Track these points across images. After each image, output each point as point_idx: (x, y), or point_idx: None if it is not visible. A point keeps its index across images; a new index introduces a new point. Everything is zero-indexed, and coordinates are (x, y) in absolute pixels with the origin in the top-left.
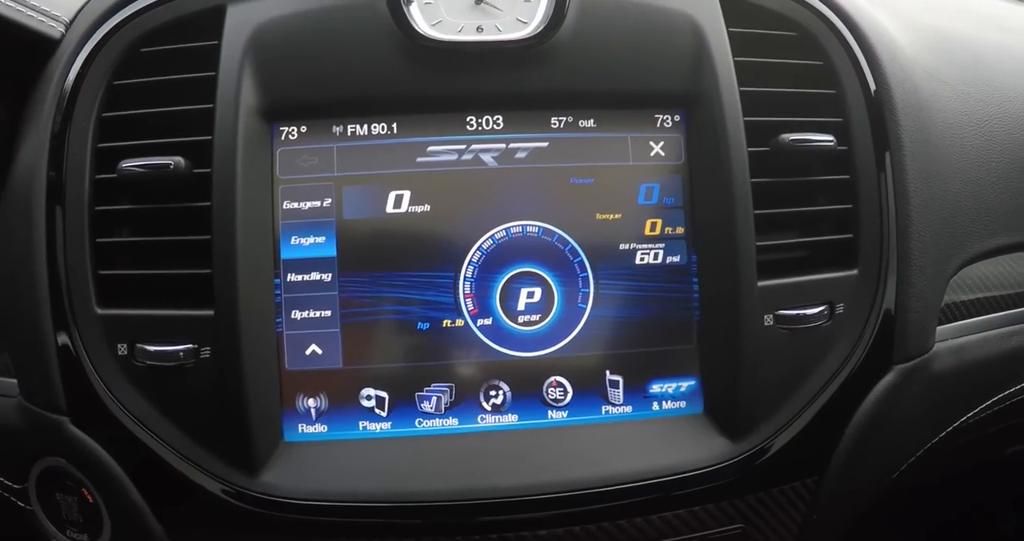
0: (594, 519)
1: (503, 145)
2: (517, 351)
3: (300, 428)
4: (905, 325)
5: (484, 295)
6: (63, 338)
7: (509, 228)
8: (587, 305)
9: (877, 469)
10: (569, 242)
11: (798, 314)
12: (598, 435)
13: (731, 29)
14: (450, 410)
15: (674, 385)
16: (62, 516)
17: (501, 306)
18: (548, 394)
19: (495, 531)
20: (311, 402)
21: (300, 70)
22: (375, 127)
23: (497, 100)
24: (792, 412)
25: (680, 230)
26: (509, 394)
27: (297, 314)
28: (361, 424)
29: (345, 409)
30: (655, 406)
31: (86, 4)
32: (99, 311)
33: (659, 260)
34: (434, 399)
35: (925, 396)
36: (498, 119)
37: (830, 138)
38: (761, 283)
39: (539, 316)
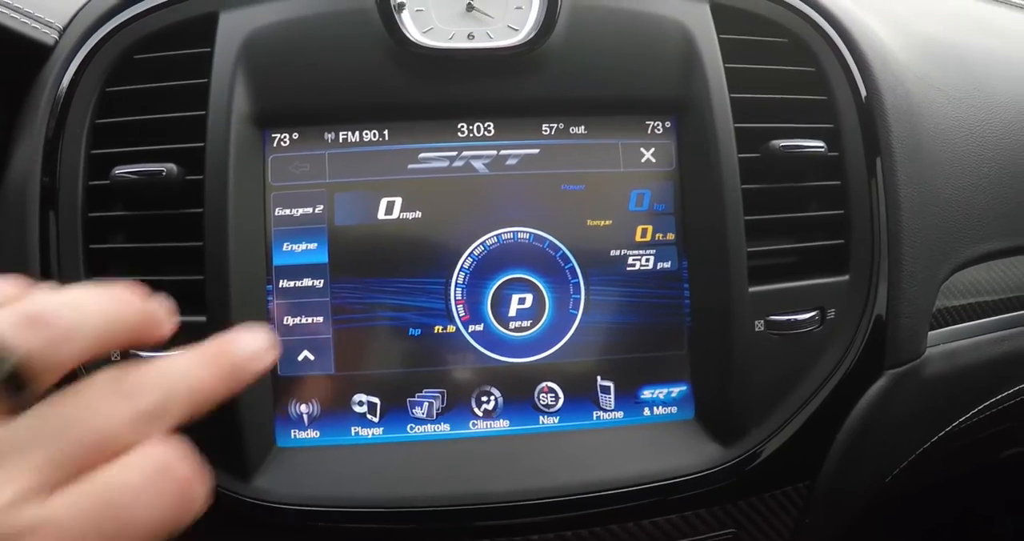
0: (586, 524)
1: (494, 152)
2: (508, 357)
3: (292, 434)
4: (896, 330)
5: (475, 301)
6: None
7: (500, 234)
8: (578, 311)
9: (869, 474)
10: (560, 248)
11: (789, 320)
12: (589, 440)
13: (722, 36)
14: (442, 416)
15: (665, 391)
16: None
17: (492, 312)
18: (539, 400)
19: (488, 536)
20: (303, 408)
21: (292, 77)
22: (367, 134)
23: (488, 107)
24: (783, 417)
25: (671, 236)
26: (500, 400)
27: (289, 320)
28: (353, 430)
29: (337, 415)
30: (646, 412)
31: (80, 11)
32: None
33: (650, 266)
34: (426, 405)
35: (917, 401)
36: (489, 126)
37: (821, 144)
38: (752, 289)
39: (530, 322)
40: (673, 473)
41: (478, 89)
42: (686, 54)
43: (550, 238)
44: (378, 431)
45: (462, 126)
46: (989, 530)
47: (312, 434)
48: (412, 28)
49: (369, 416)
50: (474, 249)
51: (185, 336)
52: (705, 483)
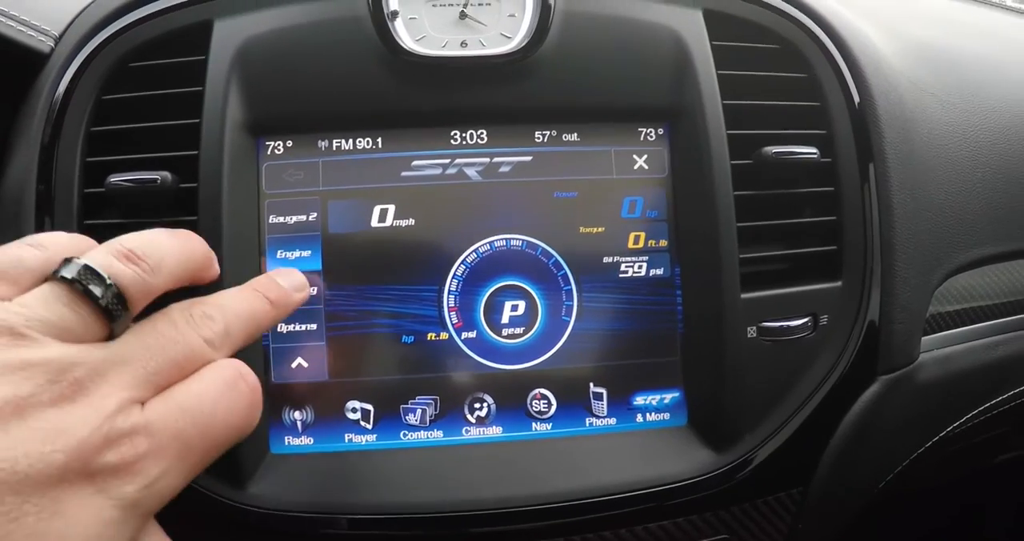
0: (579, 530)
1: (487, 159)
2: (501, 364)
3: (286, 440)
4: (890, 336)
5: (468, 308)
6: None
7: (493, 241)
8: (571, 318)
9: (863, 479)
10: (553, 255)
11: (782, 326)
12: (582, 447)
13: (714, 42)
14: (435, 422)
15: (658, 397)
16: None
17: (485, 319)
18: (532, 406)
19: None
20: (297, 414)
21: (286, 85)
22: (360, 142)
23: (481, 114)
24: (776, 423)
25: (664, 243)
26: (493, 406)
27: (283, 327)
28: (347, 436)
29: (331, 421)
30: (639, 418)
31: (75, 19)
32: None
33: (643, 273)
34: (419, 411)
35: (910, 406)
36: (482, 133)
37: (814, 150)
38: (744, 295)
39: (523, 329)
40: (666, 479)
41: (471, 97)
42: (679, 61)
43: (543, 245)
44: (372, 438)
45: (455, 134)
46: (983, 534)
47: (306, 441)
48: (405, 36)
49: (363, 423)
50: (467, 256)
51: None
52: (698, 489)
